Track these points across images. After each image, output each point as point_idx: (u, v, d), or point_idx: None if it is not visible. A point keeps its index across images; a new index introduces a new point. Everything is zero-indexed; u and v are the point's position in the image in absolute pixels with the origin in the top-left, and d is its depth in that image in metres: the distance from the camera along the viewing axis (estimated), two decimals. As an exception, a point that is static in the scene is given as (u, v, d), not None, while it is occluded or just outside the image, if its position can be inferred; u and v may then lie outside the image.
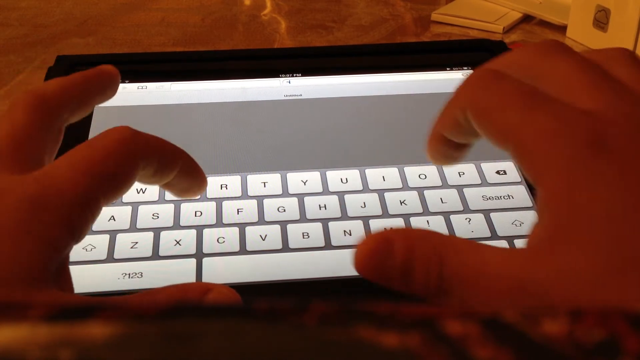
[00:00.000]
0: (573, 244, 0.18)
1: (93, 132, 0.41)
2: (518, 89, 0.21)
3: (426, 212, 0.35)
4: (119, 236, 0.34)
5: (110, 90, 0.27)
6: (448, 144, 0.25)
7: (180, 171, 0.25)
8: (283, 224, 0.35)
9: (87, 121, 0.41)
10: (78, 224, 0.21)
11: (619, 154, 0.19)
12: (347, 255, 0.33)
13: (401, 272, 0.21)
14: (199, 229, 0.34)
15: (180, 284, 0.23)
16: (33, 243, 0.19)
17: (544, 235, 0.19)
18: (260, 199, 0.36)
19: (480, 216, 0.35)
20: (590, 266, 0.17)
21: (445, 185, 0.37)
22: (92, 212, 0.21)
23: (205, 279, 0.32)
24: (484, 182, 0.37)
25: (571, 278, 0.18)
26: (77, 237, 0.21)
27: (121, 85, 0.45)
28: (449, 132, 0.24)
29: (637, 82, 0.21)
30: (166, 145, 0.24)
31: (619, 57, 0.23)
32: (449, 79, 0.46)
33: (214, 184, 0.37)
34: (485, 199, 0.36)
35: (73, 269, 0.32)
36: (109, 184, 0.22)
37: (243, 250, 0.33)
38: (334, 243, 0.34)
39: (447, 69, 0.47)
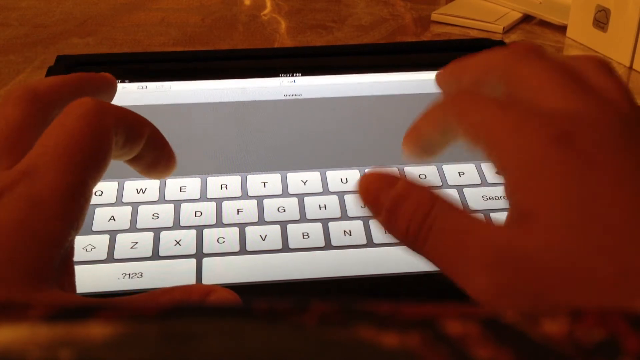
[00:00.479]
0: (546, 225, 0.19)
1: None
2: (495, 99, 0.23)
3: (426, 212, 0.35)
4: (119, 236, 0.34)
5: (105, 94, 0.27)
6: (426, 142, 0.26)
7: (148, 141, 0.24)
8: (283, 224, 0.35)
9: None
10: (74, 212, 0.21)
11: (583, 150, 0.20)
12: (347, 256, 0.33)
13: (390, 206, 0.22)
14: (199, 229, 0.34)
15: (183, 286, 0.23)
16: (32, 241, 0.19)
17: (518, 217, 0.20)
18: (260, 199, 0.36)
19: (480, 216, 0.35)
20: (563, 245, 0.19)
21: (445, 185, 0.37)
22: (84, 197, 0.21)
23: (205, 279, 0.32)
24: (484, 182, 0.38)
25: (547, 254, 0.19)
26: (76, 225, 0.21)
27: (121, 85, 0.45)
28: (430, 130, 0.25)
29: (607, 90, 0.22)
30: (130, 112, 0.24)
31: (592, 66, 0.24)
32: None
33: (214, 184, 0.37)
34: (485, 199, 0.36)
35: (73, 269, 0.32)
36: (93, 164, 0.21)
37: (243, 250, 0.33)
38: (334, 243, 0.34)
39: (447, 69, 0.47)
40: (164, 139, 0.26)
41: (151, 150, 0.25)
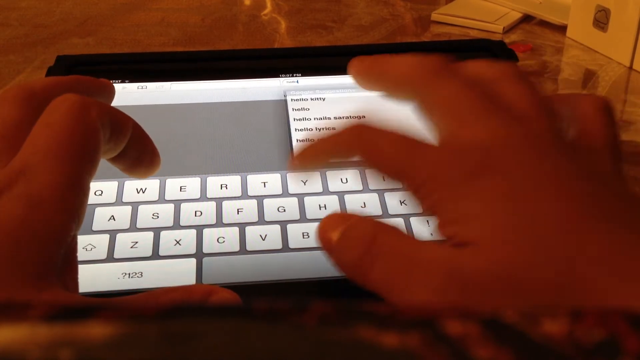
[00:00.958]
0: (493, 249, 0.20)
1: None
2: (399, 134, 0.23)
3: (426, 212, 0.35)
4: (119, 236, 0.34)
5: (102, 99, 0.27)
6: (322, 161, 0.27)
7: (132, 137, 0.24)
8: (283, 224, 0.35)
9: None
10: (74, 207, 0.21)
11: (501, 174, 0.21)
12: (347, 255, 0.33)
13: (337, 244, 0.23)
14: (199, 228, 0.34)
15: (183, 286, 0.23)
16: (34, 240, 0.19)
17: (463, 242, 0.21)
18: (260, 198, 0.36)
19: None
20: (510, 266, 0.19)
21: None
22: (82, 191, 0.21)
23: (205, 279, 0.32)
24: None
25: (496, 276, 0.19)
26: (77, 220, 0.21)
27: (121, 85, 0.45)
28: (334, 154, 0.26)
29: (521, 100, 0.23)
30: (113, 107, 0.24)
31: (505, 75, 0.24)
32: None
33: (214, 184, 0.37)
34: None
35: (73, 268, 0.32)
36: (86, 158, 0.21)
37: (243, 250, 0.33)
38: (334, 243, 0.34)
39: (447, 69, 0.47)
40: (147, 136, 0.26)
41: (135, 146, 0.25)
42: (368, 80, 0.27)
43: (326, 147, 0.25)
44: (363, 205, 0.36)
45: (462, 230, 0.21)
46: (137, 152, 0.25)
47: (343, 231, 0.23)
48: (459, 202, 0.21)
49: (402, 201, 0.36)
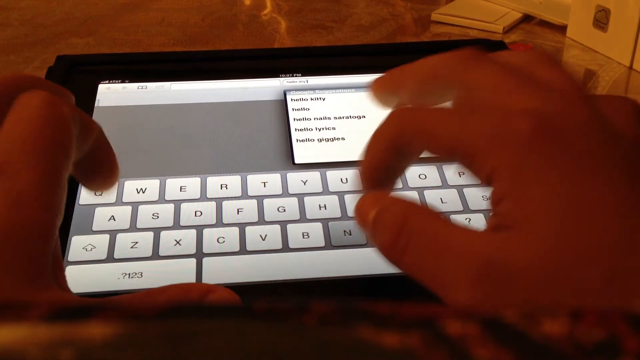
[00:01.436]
0: (533, 233, 0.19)
1: (93, 132, 0.41)
2: (451, 106, 0.22)
3: (426, 212, 0.35)
4: (119, 236, 0.34)
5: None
6: (383, 172, 0.25)
7: (96, 141, 0.23)
8: (283, 224, 0.35)
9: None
10: (55, 202, 0.20)
11: (568, 144, 0.20)
12: (347, 255, 0.33)
13: (373, 221, 0.22)
14: (199, 229, 0.34)
15: (182, 284, 0.23)
16: (24, 239, 0.19)
17: (504, 225, 0.20)
18: (260, 199, 0.36)
19: (480, 216, 0.35)
20: (550, 253, 0.18)
21: (445, 185, 0.37)
22: (61, 186, 0.20)
23: (205, 279, 0.32)
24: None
25: (534, 264, 0.18)
26: (59, 215, 0.20)
27: (121, 85, 0.45)
28: (385, 157, 0.24)
29: (557, 81, 0.22)
30: (78, 108, 0.23)
31: (537, 60, 0.23)
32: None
33: (214, 184, 0.37)
34: (485, 199, 0.36)
35: (73, 268, 0.32)
36: (62, 152, 0.21)
37: (243, 250, 0.33)
38: (334, 243, 0.34)
39: (447, 69, 0.47)
40: (109, 145, 0.25)
41: (97, 153, 0.24)
42: (399, 84, 0.25)
43: (373, 152, 0.24)
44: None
45: (514, 206, 0.19)
46: (98, 159, 0.24)
47: (376, 213, 0.22)
48: (515, 172, 0.20)
49: (402, 201, 0.36)
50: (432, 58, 0.24)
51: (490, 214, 0.21)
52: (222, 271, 0.32)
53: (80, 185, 0.36)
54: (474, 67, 0.23)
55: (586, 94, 0.22)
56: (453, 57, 0.24)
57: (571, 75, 0.23)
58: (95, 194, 0.25)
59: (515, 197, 0.20)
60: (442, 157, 0.22)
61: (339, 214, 0.35)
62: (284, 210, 0.35)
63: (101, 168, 0.24)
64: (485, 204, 0.36)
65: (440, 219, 0.21)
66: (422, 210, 0.22)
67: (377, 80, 0.26)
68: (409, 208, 0.22)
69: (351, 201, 0.36)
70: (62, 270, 0.22)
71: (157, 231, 0.34)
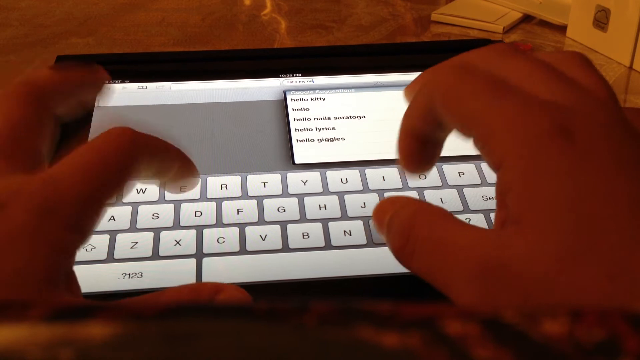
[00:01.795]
0: (537, 229, 0.19)
1: (93, 132, 0.40)
2: (488, 78, 0.22)
3: (426, 212, 0.36)
4: (119, 236, 0.34)
5: (99, 83, 0.27)
6: (418, 141, 0.25)
7: (177, 170, 0.25)
8: (283, 224, 0.35)
9: (87, 121, 0.41)
10: (86, 225, 0.21)
11: (581, 143, 0.20)
12: (347, 255, 0.33)
13: (386, 231, 0.23)
14: (199, 229, 0.34)
15: (192, 284, 0.23)
16: (47, 248, 0.19)
17: (509, 219, 0.20)
18: (260, 199, 0.36)
19: (480, 216, 0.35)
20: (552, 251, 0.18)
21: (445, 185, 0.37)
22: (97, 213, 0.21)
23: (205, 279, 0.32)
24: (484, 182, 0.38)
25: (534, 262, 0.19)
26: (86, 238, 0.21)
27: (121, 85, 0.45)
28: (418, 123, 0.24)
29: (589, 82, 0.22)
30: (166, 145, 0.24)
31: (572, 59, 0.23)
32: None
33: (214, 184, 0.37)
34: (485, 199, 0.36)
35: (73, 269, 0.32)
36: (111, 185, 0.21)
37: (243, 250, 0.33)
38: (334, 243, 0.34)
39: (447, 69, 0.47)
40: (192, 167, 0.27)
41: (179, 177, 0.26)
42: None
43: (410, 119, 0.24)
44: (363, 205, 0.36)
45: (520, 202, 0.19)
46: (181, 181, 0.26)
47: (389, 218, 0.23)
48: (524, 162, 0.20)
49: (402, 201, 0.36)
50: (469, 53, 0.25)
51: (496, 206, 0.21)
52: (222, 271, 0.32)
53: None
54: (510, 57, 0.23)
55: (614, 99, 0.22)
56: (491, 49, 0.24)
57: (602, 78, 0.23)
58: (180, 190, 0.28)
59: (522, 190, 0.20)
60: (460, 129, 0.22)
61: (339, 214, 0.35)
62: (284, 211, 0.35)
63: (182, 184, 0.27)
64: (485, 204, 0.36)
65: (447, 220, 0.22)
66: (430, 212, 0.22)
67: (411, 83, 0.27)
68: (417, 211, 0.22)
69: (351, 201, 0.36)
70: (76, 282, 0.22)
71: (157, 231, 0.34)
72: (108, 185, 0.21)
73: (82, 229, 0.20)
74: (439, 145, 0.25)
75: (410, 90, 0.26)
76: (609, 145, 0.20)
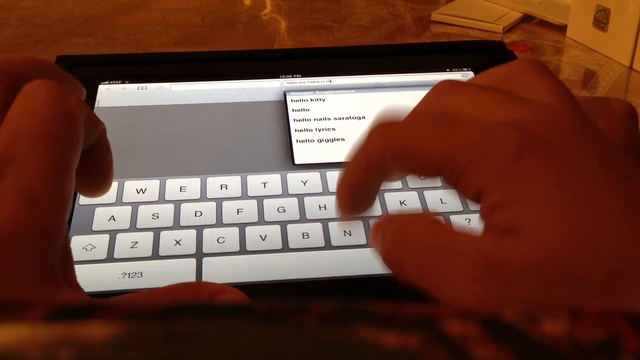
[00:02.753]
0: (535, 234, 0.19)
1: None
2: (435, 116, 0.22)
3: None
4: (119, 236, 0.34)
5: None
6: (360, 191, 0.24)
7: (99, 139, 0.23)
8: (283, 224, 0.35)
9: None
10: (65, 198, 0.20)
11: (555, 151, 0.20)
12: (347, 255, 0.33)
13: (380, 243, 0.22)
14: (199, 229, 0.34)
15: (193, 283, 0.23)
16: (35, 236, 0.18)
17: (504, 232, 0.20)
18: (260, 199, 0.36)
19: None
20: (552, 253, 0.18)
21: (445, 185, 0.37)
22: (71, 181, 0.20)
23: (205, 278, 0.32)
24: (484, 182, 0.38)
25: (535, 263, 0.19)
26: (68, 210, 0.20)
27: (121, 86, 0.45)
28: (362, 177, 0.24)
29: (543, 91, 0.22)
30: (85, 103, 0.22)
31: (524, 70, 0.23)
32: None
33: (214, 184, 0.37)
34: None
35: (73, 269, 0.32)
36: (72, 147, 0.20)
37: (243, 250, 0.33)
38: (334, 243, 0.34)
39: (447, 70, 0.47)
40: (109, 145, 0.24)
41: (95, 154, 0.23)
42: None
43: (356, 172, 0.24)
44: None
45: (509, 214, 0.19)
46: (95, 159, 0.23)
47: (383, 230, 0.22)
48: (506, 182, 0.20)
49: (402, 202, 0.36)
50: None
51: (484, 226, 0.21)
52: (222, 271, 0.32)
53: (79, 185, 0.36)
54: (453, 91, 0.23)
55: (572, 100, 0.22)
56: (432, 90, 0.24)
57: (557, 83, 0.23)
58: (86, 196, 0.25)
59: (509, 205, 0.20)
60: (426, 175, 0.22)
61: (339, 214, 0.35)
62: (284, 211, 0.35)
63: (96, 168, 0.24)
64: (485, 204, 0.36)
65: (441, 226, 0.21)
66: (422, 220, 0.22)
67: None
68: (410, 220, 0.22)
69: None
70: (72, 265, 0.22)
71: (157, 231, 0.34)
72: (69, 149, 0.20)
73: (64, 203, 0.20)
74: (377, 190, 0.25)
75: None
76: (582, 147, 0.20)
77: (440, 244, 0.21)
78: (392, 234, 0.22)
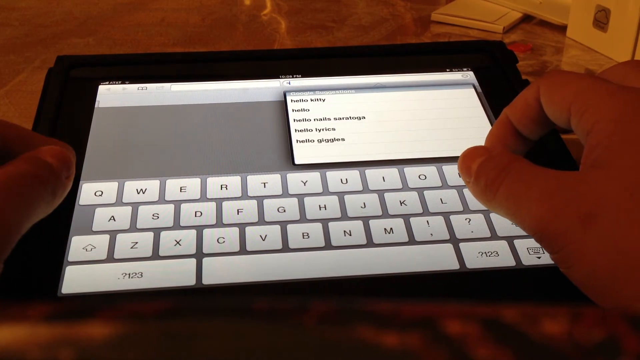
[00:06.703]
0: (618, 169, 0.23)
1: (93, 132, 0.41)
2: (583, 74, 0.28)
3: (426, 212, 0.35)
4: (119, 236, 0.34)
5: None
6: (508, 129, 0.31)
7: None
8: (283, 224, 0.35)
9: (87, 121, 0.41)
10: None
11: None
12: (347, 256, 0.33)
13: (476, 170, 0.28)
14: (199, 229, 0.34)
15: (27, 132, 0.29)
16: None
17: (593, 165, 0.24)
18: (260, 199, 0.36)
19: (480, 216, 0.35)
20: (627, 185, 0.22)
21: (445, 185, 0.37)
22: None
23: (205, 279, 0.32)
24: (484, 182, 0.38)
25: (607, 191, 0.23)
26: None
27: (121, 86, 0.45)
28: (517, 112, 0.30)
29: None
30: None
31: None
32: (449, 80, 0.46)
33: (214, 184, 0.37)
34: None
35: (73, 268, 0.32)
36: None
37: (243, 250, 0.33)
38: (334, 243, 0.34)
39: (447, 70, 0.47)
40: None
41: None
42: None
43: (512, 108, 0.31)
44: (363, 206, 0.36)
45: (604, 152, 0.23)
46: None
47: (483, 161, 0.27)
48: (616, 122, 0.24)
49: (402, 201, 0.36)
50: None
51: (581, 163, 0.25)
52: (222, 271, 0.32)
53: (80, 185, 0.36)
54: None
55: None
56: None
57: None
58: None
59: (610, 143, 0.24)
60: (558, 113, 0.27)
61: (339, 214, 0.35)
62: (284, 211, 0.35)
63: None
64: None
65: (539, 168, 0.25)
66: (524, 162, 0.26)
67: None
68: (512, 157, 0.27)
69: (351, 201, 0.36)
70: None
71: (157, 231, 0.34)
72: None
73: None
74: (522, 147, 0.31)
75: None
76: None
77: (530, 176, 0.25)
78: (495, 166, 0.26)
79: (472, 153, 0.28)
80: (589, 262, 0.22)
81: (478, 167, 0.27)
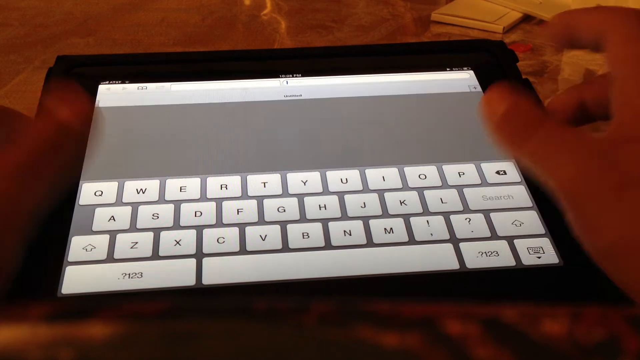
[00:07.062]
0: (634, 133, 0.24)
1: (93, 133, 0.40)
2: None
3: (426, 212, 0.35)
4: (119, 236, 0.34)
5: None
6: (575, 102, 0.31)
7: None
8: (283, 224, 0.35)
9: (86, 121, 0.41)
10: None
11: None
12: (347, 256, 0.33)
13: (504, 111, 0.27)
14: (199, 229, 0.34)
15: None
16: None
17: (626, 138, 0.24)
18: (260, 199, 0.36)
19: (480, 216, 0.35)
20: None
21: (445, 185, 0.37)
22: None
23: (205, 279, 0.32)
24: (484, 182, 0.38)
25: (628, 144, 0.23)
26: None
27: (121, 86, 0.45)
28: (587, 88, 0.30)
29: None
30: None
31: None
32: (449, 80, 0.46)
33: (214, 184, 0.37)
34: (485, 199, 0.36)
35: (73, 269, 0.32)
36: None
37: (243, 250, 0.33)
38: (334, 243, 0.34)
39: (447, 69, 0.47)
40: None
41: None
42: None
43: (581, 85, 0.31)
44: (363, 205, 0.36)
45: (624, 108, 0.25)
46: None
47: (510, 105, 0.27)
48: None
49: (402, 201, 0.36)
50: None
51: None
52: (222, 271, 0.32)
53: (80, 185, 0.36)
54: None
55: None
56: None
57: None
58: None
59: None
60: (593, 35, 0.28)
61: (339, 214, 0.35)
62: (284, 211, 0.35)
63: None
64: (485, 204, 0.36)
65: (570, 128, 0.26)
66: (554, 121, 0.26)
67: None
68: (543, 116, 0.26)
69: (351, 201, 0.36)
70: None
71: (157, 231, 0.34)
72: None
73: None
74: (582, 121, 0.31)
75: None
76: None
77: (562, 138, 0.25)
78: (525, 116, 0.26)
79: (499, 95, 0.28)
80: (617, 231, 0.22)
81: (504, 112, 0.27)
